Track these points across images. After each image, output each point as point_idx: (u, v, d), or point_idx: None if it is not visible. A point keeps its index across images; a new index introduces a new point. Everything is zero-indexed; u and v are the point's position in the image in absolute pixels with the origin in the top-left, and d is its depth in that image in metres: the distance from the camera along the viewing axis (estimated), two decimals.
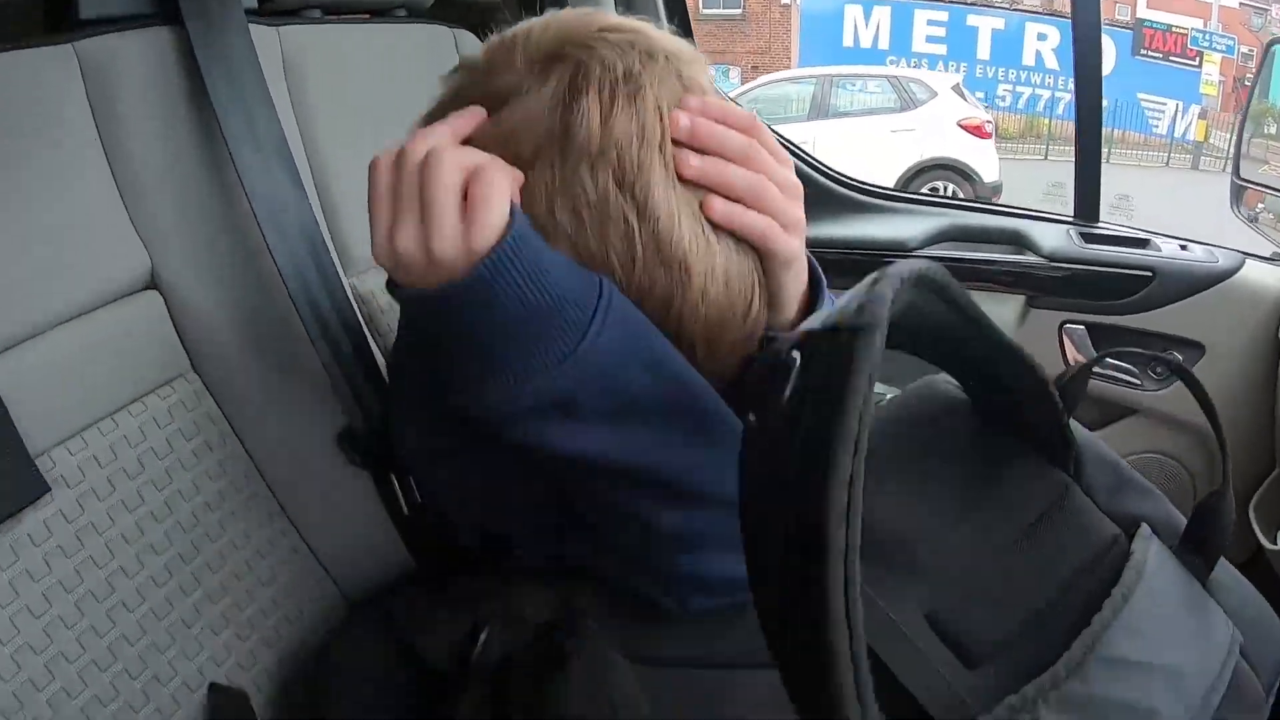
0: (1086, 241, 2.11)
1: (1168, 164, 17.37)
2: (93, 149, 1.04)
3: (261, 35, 1.23)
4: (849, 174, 2.39)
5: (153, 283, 1.06)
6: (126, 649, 0.93)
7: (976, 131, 10.75)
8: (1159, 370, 2.07)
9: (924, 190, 10.68)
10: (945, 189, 10.71)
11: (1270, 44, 2.58)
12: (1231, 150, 2.38)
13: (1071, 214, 2.24)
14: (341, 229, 1.32)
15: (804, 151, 2.34)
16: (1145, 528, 0.86)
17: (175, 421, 1.03)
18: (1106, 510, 0.87)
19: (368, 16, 1.56)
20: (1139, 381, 2.09)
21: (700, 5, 19.60)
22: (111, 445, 0.97)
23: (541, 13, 1.91)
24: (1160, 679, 0.77)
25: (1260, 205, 2.41)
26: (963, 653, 0.78)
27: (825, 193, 2.35)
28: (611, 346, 0.68)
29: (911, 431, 0.91)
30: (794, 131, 10.58)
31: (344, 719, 0.84)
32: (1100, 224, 2.19)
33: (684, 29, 2.24)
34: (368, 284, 1.34)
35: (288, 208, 1.13)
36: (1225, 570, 0.90)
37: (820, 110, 11.39)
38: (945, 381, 0.92)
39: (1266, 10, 23.95)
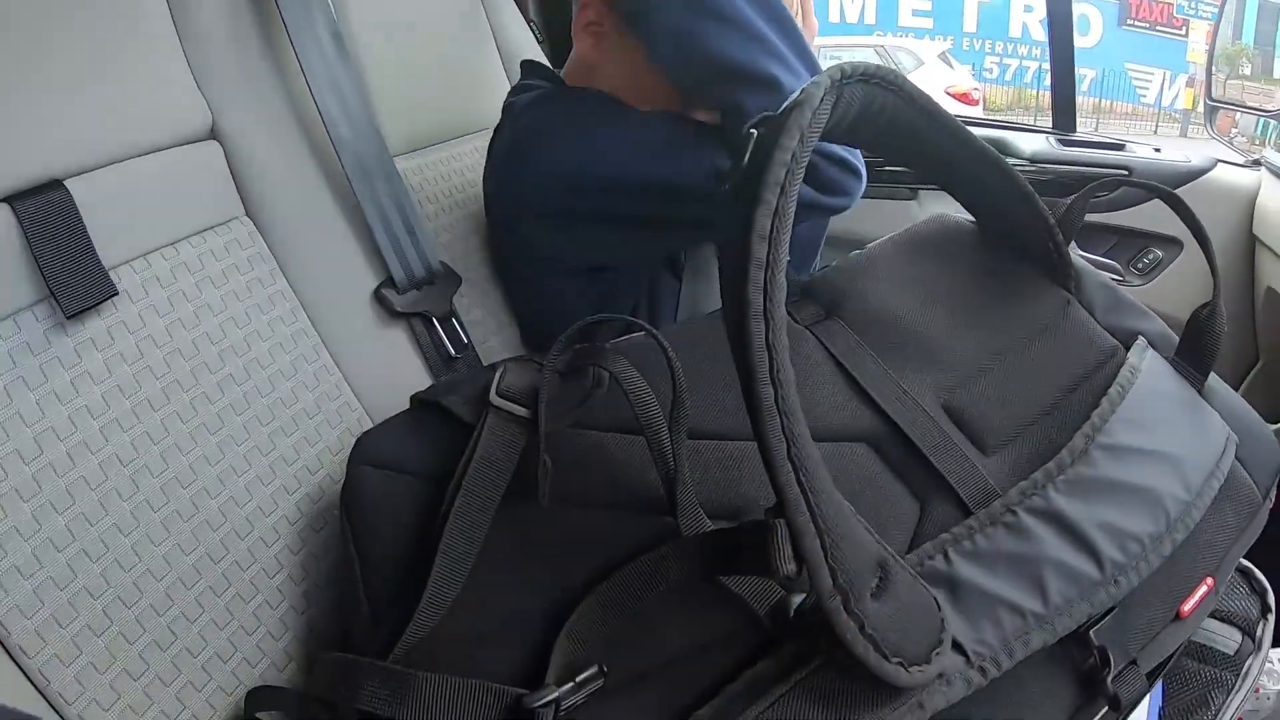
0: (1064, 146, 2.23)
1: (1156, 132, 17.28)
2: (160, 9, 1.10)
3: None
4: None
5: (213, 134, 1.13)
6: (177, 457, 0.97)
7: (964, 99, 10.80)
8: (1141, 266, 2.19)
9: None
10: None
11: None
12: (1203, 75, 2.45)
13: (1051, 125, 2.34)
14: (377, 114, 1.37)
15: None
16: (1142, 340, 0.96)
17: (231, 256, 1.09)
18: (1105, 325, 0.97)
19: None
20: (1122, 277, 2.19)
21: None
22: (173, 269, 1.02)
23: None
24: (1160, 463, 0.86)
25: (1234, 129, 2.50)
26: (978, 441, 0.88)
27: None
28: None
29: (924, 250, 1.04)
30: None
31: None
32: (1077, 134, 2.31)
33: None
34: (402, 164, 1.40)
35: (338, 76, 1.22)
36: (1218, 383, 1.00)
37: None
38: (956, 214, 1.05)
39: None
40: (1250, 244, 2.10)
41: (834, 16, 17.18)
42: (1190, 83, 17.79)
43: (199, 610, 0.95)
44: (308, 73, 1.19)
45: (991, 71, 17.34)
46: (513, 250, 1.44)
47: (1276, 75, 2.49)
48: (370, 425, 1.12)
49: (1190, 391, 0.95)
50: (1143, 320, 1.01)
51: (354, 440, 0.96)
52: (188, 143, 1.09)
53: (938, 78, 10.86)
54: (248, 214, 1.14)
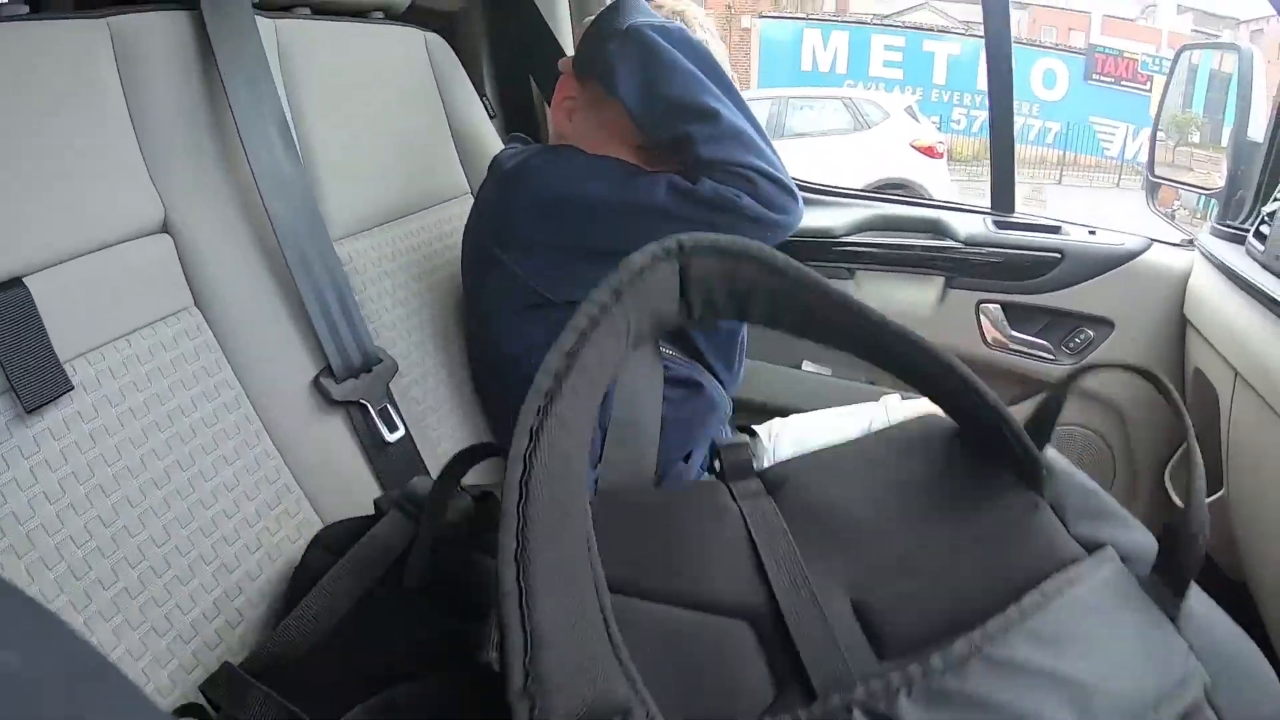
0: (1000, 228, 2.26)
1: (1118, 185, 17.51)
2: (119, 110, 1.19)
3: (262, 26, 1.40)
4: None
5: (165, 228, 1.20)
6: (127, 540, 1.04)
7: (928, 152, 10.87)
8: (1073, 345, 2.22)
9: None
10: None
11: (1180, 50, 2.74)
12: (1146, 152, 2.50)
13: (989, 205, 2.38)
14: (325, 194, 1.47)
15: None
16: (1109, 549, 0.84)
17: (179, 346, 1.16)
18: (1075, 533, 0.87)
19: (349, 17, 1.70)
20: (1054, 356, 2.23)
21: None
22: (125, 360, 1.09)
23: (505, 22, 2.10)
24: (1057, 689, 0.74)
25: (1176, 202, 2.54)
26: (878, 640, 0.81)
27: None
28: None
29: (895, 447, 1.01)
30: None
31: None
32: (1015, 215, 2.34)
33: None
34: (350, 246, 1.50)
35: (283, 171, 1.30)
36: (1205, 605, 0.83)
37: (776, 130, 11.46)
38: (940, 417, 1.00)
39: (1216, 36, 24.30)
40: (1181, 325, 2.13)
41: (806, 64, 17.37)
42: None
43: (144, 680, 1.01)
44: (254, 167, 1.26)
45: (959, 123, 17.53)
46: (494, 292, 1.53)
47: (1223, 144, 2.53)
48: (309, 507, 1.28)
49: (1154, 614, 0.79)
50: (1122, 530, 0.88)
51: (291, 520, 1.19)
52: (141, 236, 1.16)
53: (903, 130, 10.94)
54: (196, 304, 1.21)
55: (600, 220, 1.43)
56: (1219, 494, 1.90)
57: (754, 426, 1.87)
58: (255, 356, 1.26)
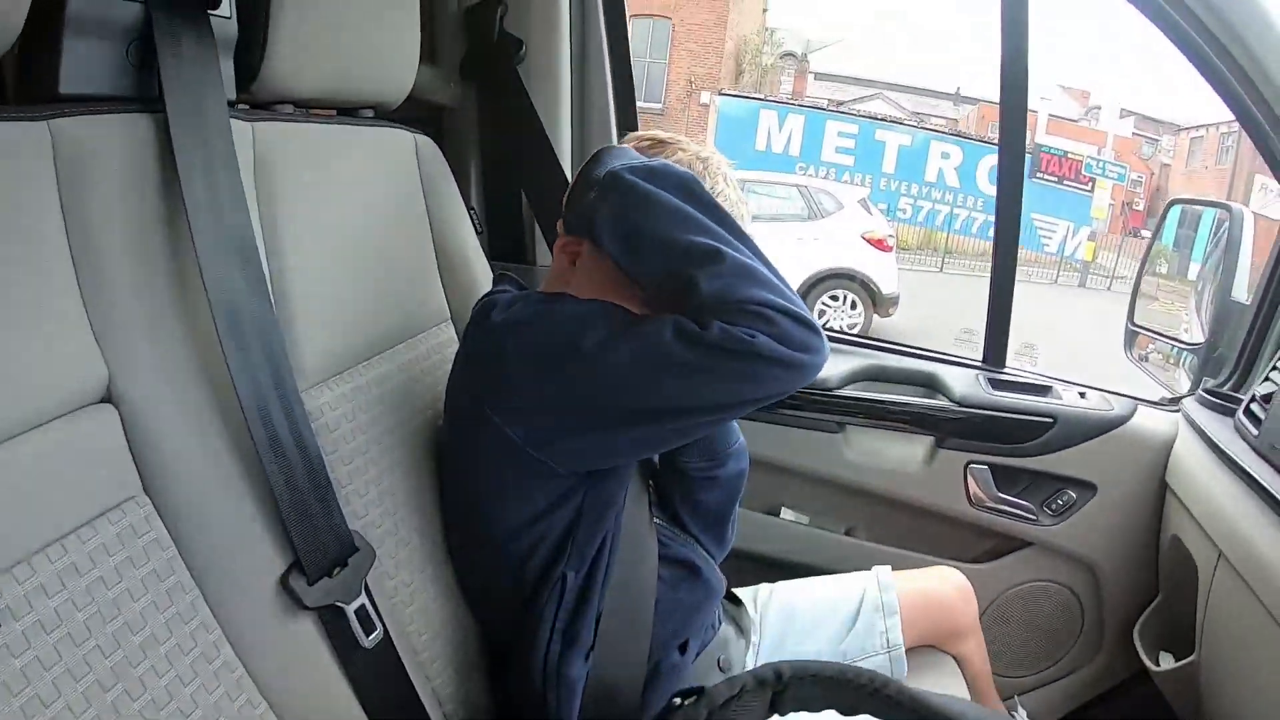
0: (994, 387, 2.25)
1: (1056, 281, 17.88)
2: (57, 244, 0.99)
3: (236, 130, 1.21)
4: None
5: (109, 396, 1.00)
6: None
7: (879, 245, 11.03)
8: (1055, 507, 2.21)
9: (825, 298, 10.98)
10: (845, 298, 11.01)
11: (1171, 204, 2.77)
12: (1129, 298, 2.52)
13: (981, 359, 2.37)
14: (297, 336, 1.29)
15: None
16: None
17: (125, 548, 0.97)
18: None
19: (335, 114, 1.58)
20: (1035, 517, 2.22)
21: None
22: (60, 573, 0.90)
23: (499, 125, 1.97)
24: None
25: (1150, 346, 2.56)
26: None
27: None
28: None
29: None
30: None
31: None
32: (1006, 369, 2.34)
33: (627, 88, 2.41)
34: (322, 398, 1.32)
35: (249, 318, 1.11)
36: None
37: None
38: None
39: (1157, 140, 25.00)
40: (1163, 490, 2.14)
41: (760, 144, 17.59)
42: (1092, 236, 18.49)
43: None
44: (215, 312, 1.08)
45: (905, 212, 17.86)
46: (484, 458, 1.38)
47: (1190, 277, 2.56)
48: None
49: None
50: None
51: None
52: (80, 408, 0.97)
53: (856, 222, 11.08)
54: (145, 490, 1.02)
55: (603, 374, 1.26)
56: (1191, 658, 1.89)
57: (739, 592, 1.81)
58: (214, 552, 1.07)
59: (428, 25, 1.79)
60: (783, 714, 0.80)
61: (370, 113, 1.65)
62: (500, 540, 1.39)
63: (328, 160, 1.47)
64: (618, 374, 1.25)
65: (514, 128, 2.20)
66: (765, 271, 1.26)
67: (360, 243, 1.49)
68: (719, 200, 1.36)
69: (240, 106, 1.36)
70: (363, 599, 1.21)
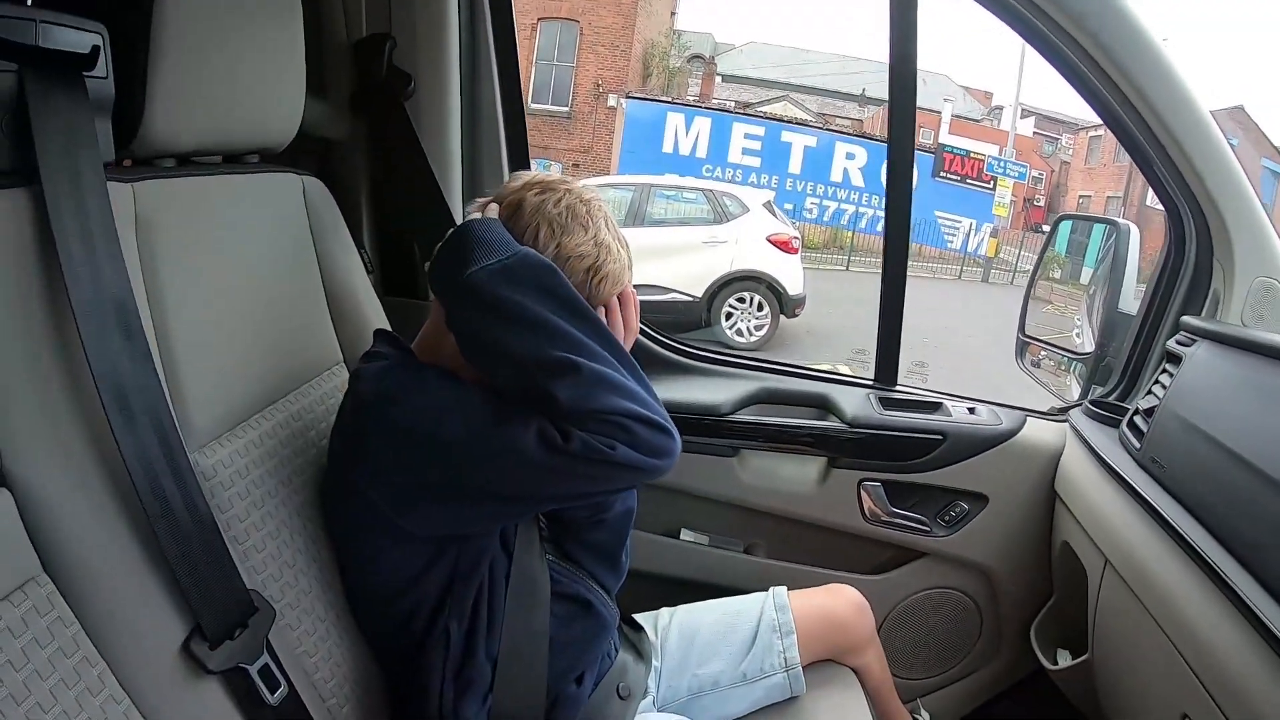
0: (885, 407, 2.29)
1: (960, 277, 18.11)
2: None
3: (115, 192, 1.20)
4: (667, 335, 2.54)
5: (1, 479, 1.00)
6: None
7: (784, 247, 11.08)
8: (948, 519, 2.27)
9: (732, 300, 11.02)
10: (751, 299, 11.08)
11: (1059, 219, 2.84)
12: (1020, 307, 2.57)
13: (872, 378, 2.41)
14: (184, 397, 1.28)
15: None
16: None
17: (30, 629, 0.97)
18: None
19: (220, 161, 1.55)
20: (929, 528, 2.27)
21: (529, 100, 19.81)
22: None
23: (390, 165, 2.00)
24: None
25: (1042, 354, 2.61)
26: None
27: (643, 353, 2.45)
28: None
29: None
30: None
31: None
32: (897, 388, 2.38)
33: (518, 124, 2.38)
34: (214, 456, 1.30)
35: (133, 388, 1.11)
36: None
37: (636, 217, 11.58)
38: None
39: (1057, 139, 25.49)
40: (1052, 498, 2.20)
41: (668, 147, 17.63)
42: (994, 233, 18.80)
43: None
44: (99, 382, 1.07)
45: (811, 212, 18.01)
46: (353, 520, 1.41)
47: (1082, 281, 2.62)
48: None
49: None
50: None
51: None
52: None
53: (762, 225, 11.13)
54: (44, 569, 1.02)
55: (461, 464, 1.29)
56: (1084, 657, 1.97)
57: (639, 618, 1.83)
58: (117, 624, 1.07)
59: (317, 58, 1.75)
60: None
61: (256, 157, 1.63)
62: (381, 598, 1.42)
63: (212, 212, 1.45)
64: (474, 465, 1.29)
65: (403, 164, 2.18)
66: (621, 378, 1.29)
67: (248, 294, 1.48)
68: (598, 250, 1.42)
69: (123, 163, 1.34)
70: (265, 658, 1.21)
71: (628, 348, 1.42)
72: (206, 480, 1.25)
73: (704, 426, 2.30)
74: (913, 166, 2.34)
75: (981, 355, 10.22)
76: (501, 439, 1.26)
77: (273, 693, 1.21)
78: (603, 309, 1.46)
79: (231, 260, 1.46)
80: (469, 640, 1.38)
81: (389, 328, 1.44)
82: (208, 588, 1.15)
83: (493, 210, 1.42)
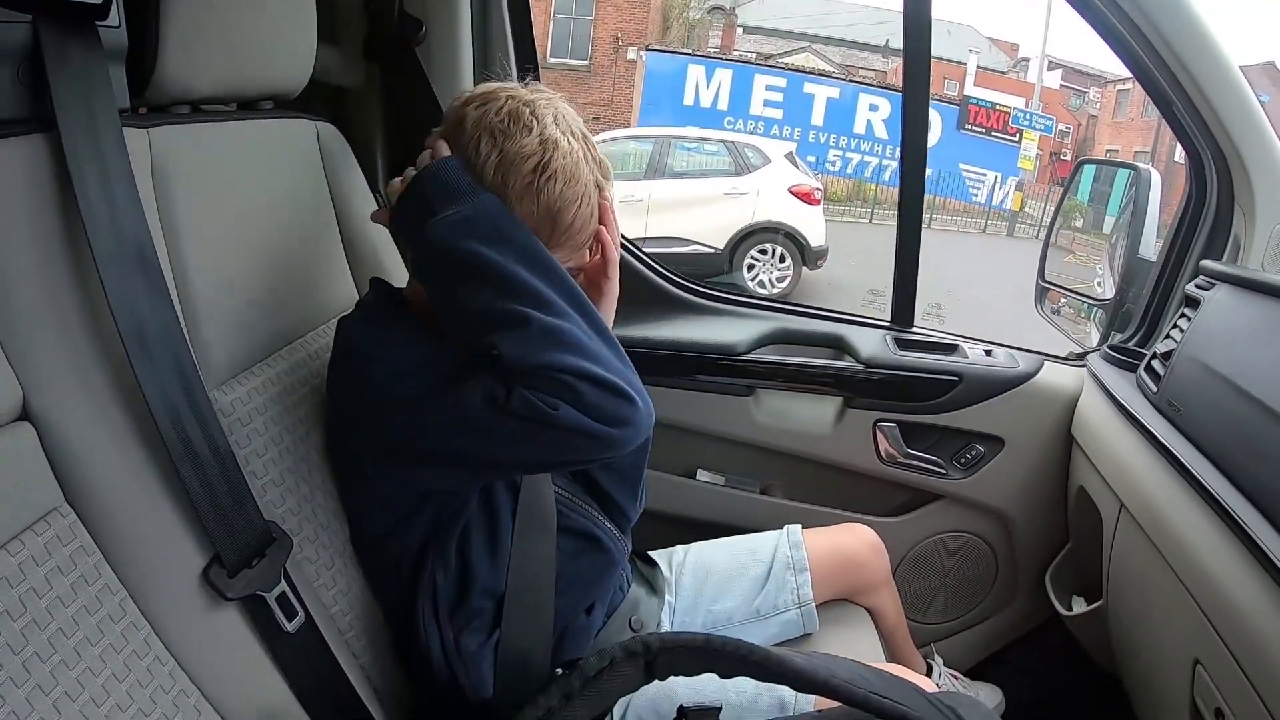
0: (901, 347, 2.28)
1: (985, 230, 17.99)
2: None
3: (132, 138, 1.21)
4: (682, 275, 2.50)
5: (24, 413, 1.02)
6: None
7: (806, 198, 11.00)
8: (964, 461, 2.26)
9: (754, 252, 10.96)
10: (773, 251, 11.01)
11: (1080, 163, 2.81)
12: (1040, 248, 2.56)
13: (889, 319, 2.39)
14: (203, 337, 1.31)
15: (640, 252, 2.47)
16: None
17: (52, 558, 1.00)
18: None
19: (235, 108, 1.56)
20: (945, 471, 2.27)
21: (548, 54, 19.70)
22: None
23: (402, 106, 2.14)
24: None
25: (1062, 301, 2.60)
26: None
27: (658, 293, 2.44)
28: None
29: None
30: (629, 188, 10.64)
31: None
32: (914, 329, 2.36)
33: (530, 66, 2.35)
34: (233, 393, 1.34)
35: (153, 327, 1.12)
36: None
37: (657, 170, 11.52)
38: None
39: (1084, 92, 25.21)
40: (1068, 443, 2.19)
41: (689, 100, 17.50)
42: (1020, 186, 18.64)
43: None
44: (119, 322, 1.09)
45: (834, 164, 17.86)
46: (344, 466, 1.44)
47: (1105, 230, 2.60)
48: (209, 709, 1.12)
49: None
50: None
51: None
52: None
53: (784, 176, 11.05)
54: (67, 500, 1.05)
55: (411, 422, 1.30)
56: (1099, 603, 1.97)
57: (654, 555, 1.84)
58: (137, 553, 1.10)
59: (328, 4, 1.74)
60: (661, 679, 0.84)
61: (270, 104, 1.64)
62: (369, 542, 1.45)
63: (227, 158, 1.46)
64: (429, 426, 1.29)
65: (415, 110, 2.17)
66: (580, 335, 1.23)
67: (264, 237, 1.50)
68: (543, 146, 1.33)
69: (139, 111, 1.35)
70: (283, 586, 1.23)
71: (611, 279, 1.45)
72: (225, 416, 1.27)
73: (719, 366, 2.30)
74: (928, 99, 2.28)
75: (1004, 310, 10.16)
76: (451, 398, 1.26)
77: (290, 620, 1.24)
78: (586, 252, 1.44)
79: (247, 204, 1.47)
80: (463, 582, 1.40)
81: (405, 269, 1.43)
82: (226, 518, 1.17)
83: (444, 146, 1.37)
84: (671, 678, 1.44)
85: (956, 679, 2.15)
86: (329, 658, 1.30)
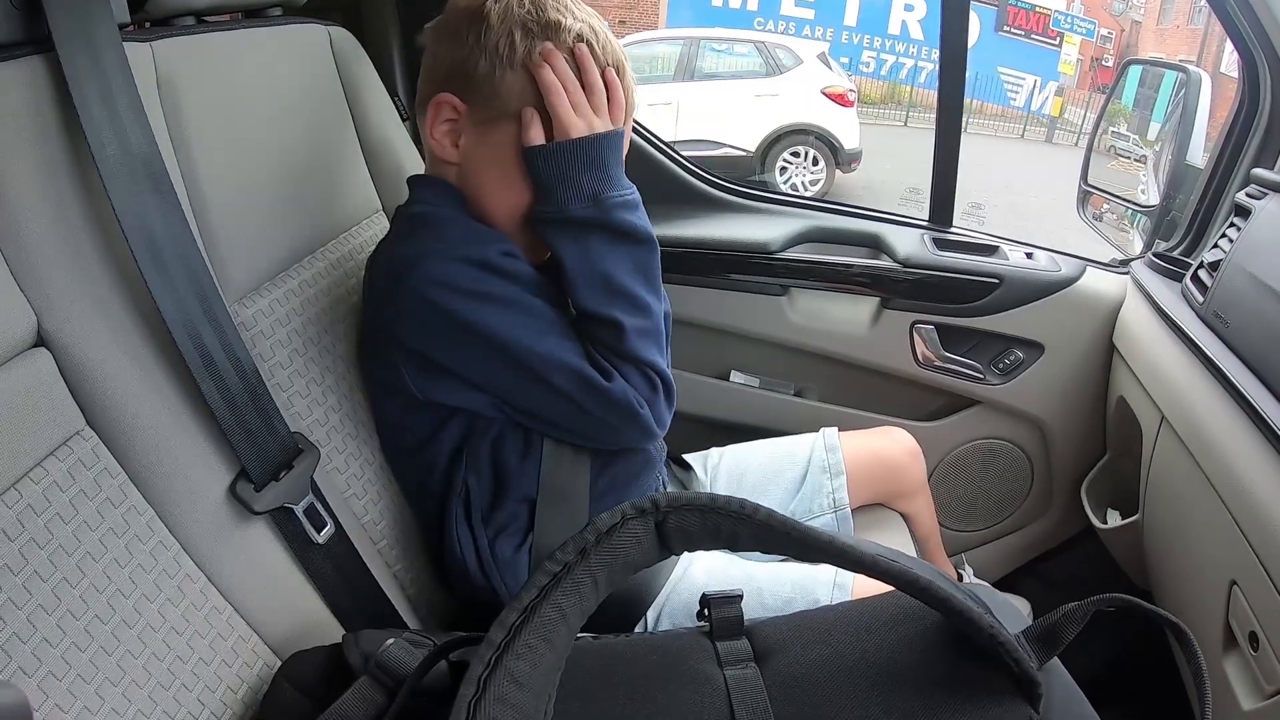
0: (939, 248, 2.23)
1: (1023, 136, 17.79)
2: None
3: (134, 53, 1.17)
4: (715, 174, 2.48)
5: (40, 339, 1.00)
6: (60, 718, 0.91)
7: (839, 100, 10.88)
8: (1002, 366, 2.22)
9: (786, 154, 10.86)
10: (806, 154, 10.90)
11: (1127, 63, 2.73)
12: (1083, 155, 2.50)
13: (927, 218, 2.35)
14: (220, 251, 1.28)
15: (670, 149, 2.43)
16: None
17: (77, 482, 0.99)
18: None
19: (241, 17, 1.53)
20: (983, 375, 2.23)
21: None
22: (19, 517, 0.92)
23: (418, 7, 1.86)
24: None
25: (1105, 206, 2.55)
26: None
27: (689, 191, 2.43)
28: None
29: (887, 630, 0.95)
30: (659, 92, 10.57)
31: None
32: (953, 229, 2.31)
33: None
34: (254, 306, 1.32)
35: (166, 241, 1.11)
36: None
37: (686, 72, 11.38)
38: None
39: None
40: (1109, 351, 2.15)
41: (717, 1, 17.25)
42: (1059, 91, 18.35)
43: None
44: (130, 240, 1.07)
45: (868, 66, 17.63)
46: (379, 377, 1.42)
47: (1150, 138, 2.54)
48: (242, 623, 1.14)
49: None
50: None
51: (226, 642, 1.08)
52: (12, 355, 0.97)
53: (816, 78, 10.92)
54: (88, 423, 1.03)
55: (484, 354, 1.29)
56: (1135, 517, 1.94)
57: (689, 457, 1.83)
58: (162, 472, 1.08)
59: None
60: (675, 552, 0.83)
61: (278, 10, 1.60)
62: (401, 451, 1.44)
63: (236, 67, 1.42)
64: (509, 371, 1.30)
65: (432, 9, 2.11)
66: (664, 334, 1.37)
67: (279, 147, 1.46)
68: (582, 25, 1.34)
69: (136, 29, 1.31)
70: (310, 498, 1.24)
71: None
72: (247, 330, 1.27)
73: (752, 264, 2.26)
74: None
75: (1043, 214, 10.05)
76: (541, 360, 1.28)
77: (319, 531, 1.24)
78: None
79: (260, 114, 1.43)
80: (497, 488, 1.39)
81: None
82: (251, 432, 1.17)
83: (438, 35, 1.39)
84: (704, 579, 1.43)
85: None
86: (361, 567, 1.31)
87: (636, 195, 1.34)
